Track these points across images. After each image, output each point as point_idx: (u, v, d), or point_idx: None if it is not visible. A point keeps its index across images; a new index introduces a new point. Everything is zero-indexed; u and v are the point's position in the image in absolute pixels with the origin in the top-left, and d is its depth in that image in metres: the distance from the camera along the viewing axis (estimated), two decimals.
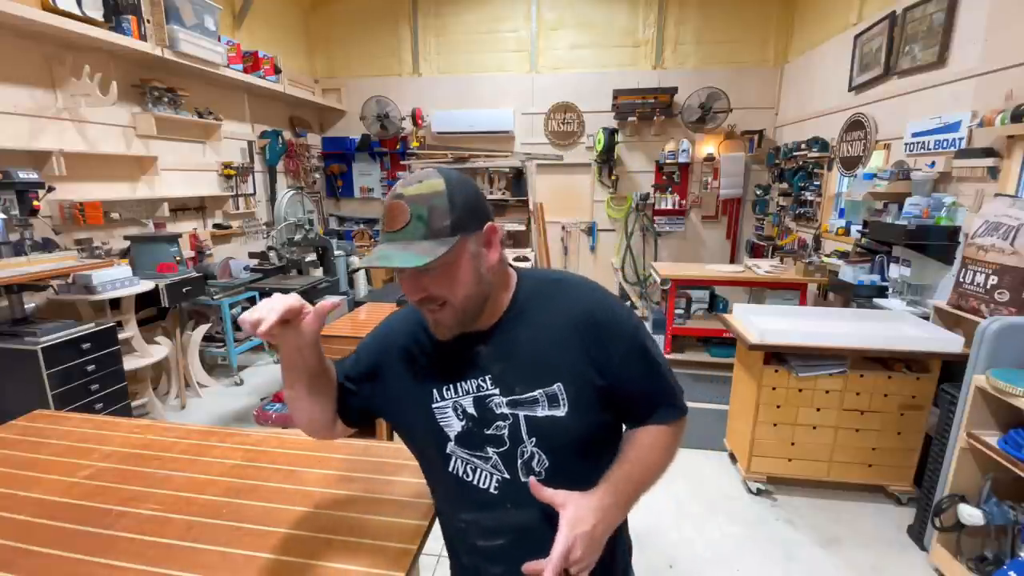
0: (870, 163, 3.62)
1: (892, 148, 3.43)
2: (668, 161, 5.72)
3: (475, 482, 0.84)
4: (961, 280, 2.36)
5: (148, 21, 3.51)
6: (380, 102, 6.00)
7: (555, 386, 0.81)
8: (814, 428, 2.52)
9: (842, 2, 4.21)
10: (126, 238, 3.58)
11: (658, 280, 4.49)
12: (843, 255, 3.69)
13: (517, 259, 5.27)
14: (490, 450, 0.83)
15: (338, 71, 6.22)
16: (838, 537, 2.31)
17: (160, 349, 3.40)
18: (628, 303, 5.96)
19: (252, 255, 4.51)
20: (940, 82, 3.01)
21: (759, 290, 4.62)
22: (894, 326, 2.60)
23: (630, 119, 5.56)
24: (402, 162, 6.21)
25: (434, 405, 0.86)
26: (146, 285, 3.16)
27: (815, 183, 4.53)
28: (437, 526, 1.02)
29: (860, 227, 3.53)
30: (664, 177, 5.87)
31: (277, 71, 4.97)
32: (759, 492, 2.62)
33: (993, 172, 2.56)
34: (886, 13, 3.48)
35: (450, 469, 0.86)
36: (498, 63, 5.92)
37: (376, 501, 1.08)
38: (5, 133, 2.90)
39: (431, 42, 5.97)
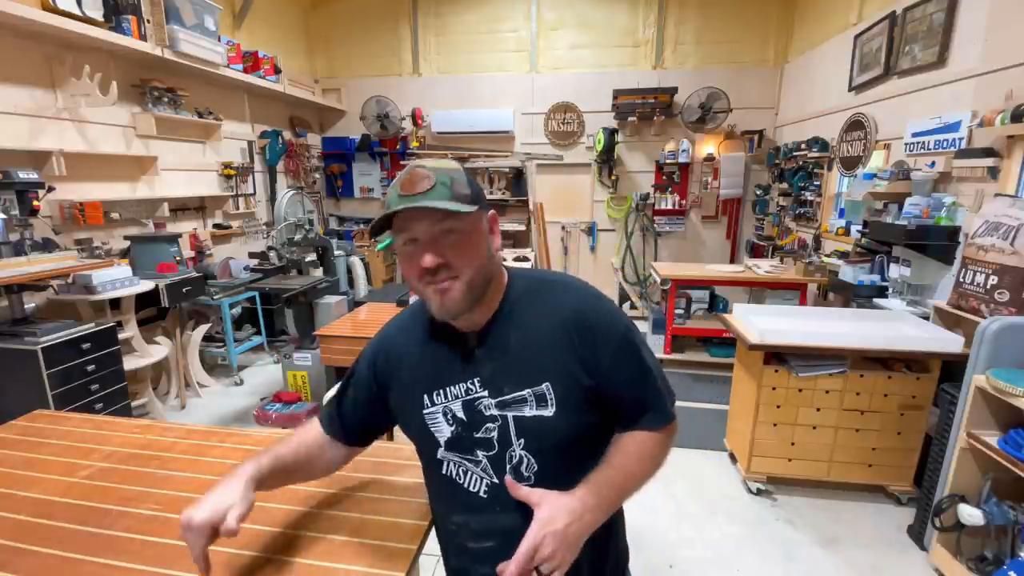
0: (870, 163, 3.62)
1: (892, 148, 3.43)
2: (668, 161, 5.72)
3: (466, 485, 0.85)
4: (961, 280, 2.36)
5: (148, 21, 3.51)
6: (380, 102, 6.00)
7: (543, 385, 0.81)
8: (814, 428, 2.52)
9: (842, 2, 4.21)
10: (126, 238, 3.58)
11: (658, 280, 4.49)
12: (843, 255, 3.69)
13: (517, 259, 5.27)
14: (480, 454, 0.84)
15: (338, 71, 6.22)
16: (838, 537, 2.31)
17: (160, 349, 3.40)
18: (628, 303, 5.96)
19: (252, 255, 4.50)
20: (940, 82, 3.01)
21: (759, 290, 4.62)
22: (894, 326, 2.60)
23: (630, 119, 5.56)
24: (402, 162, 6.20)
25: (425, 412, 0.87)
26: (146, 285, 3.16)
27: (815, 183, 4.53)
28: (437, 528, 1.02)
29: (860, 227, 3.53)
30: (664, 177, 5.87)
31: (277, 71, 4.97)
32: (759, 492, 2.62)
33: (993, 172, 2.56)
34: (886, 13, 3.48)
35: (443, 472, 0.87)
36: (498, 63, 5.92)
37: (376, 501, 1.08)
38: (5, 133, 2.90)
39: (431, 42, 5.97)
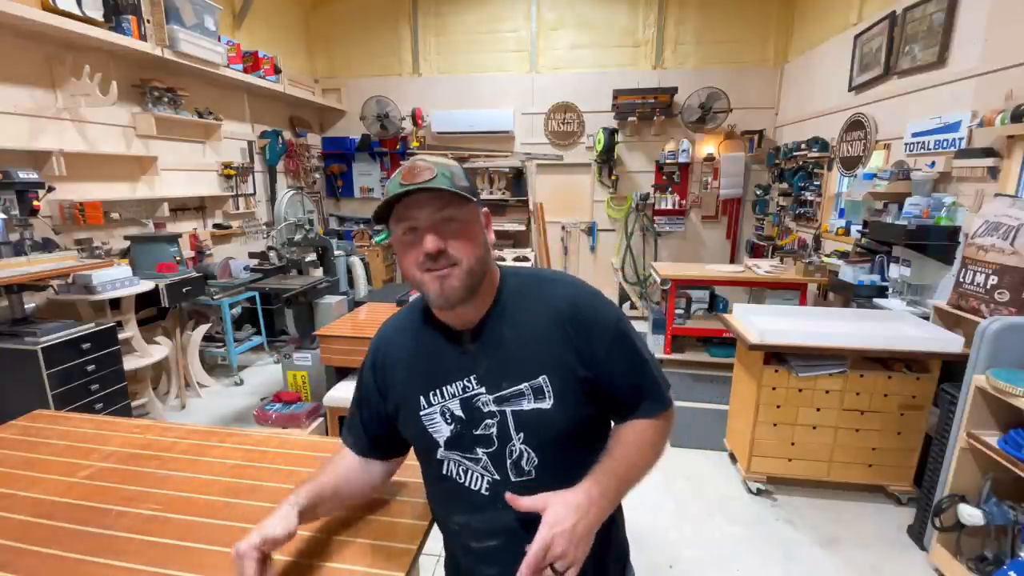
0: (870, 163, 3.62)
1: (892, 148, 3.43)
2: (668, 161, 5.72)
3: (467, 484, 0.85)
4: (961, 280, 2.36)
5: (148, 21, 3.51)
6: (380, 102, 6.00)
7: (540, 379, 0.81)
8: (814, 428, 2.52)
9: (842, 2, 4.21)
10: (126, 238, 3.58)
11: (658, 280, 4.49)
12: (843, 255, 3.69)
13: (517, 259, 5.27)
14: (480, 451, 0.84)
15: (338, 71, 6.22)
16: (838, 537, 2.31)
17: (160, 349, 3.40)
18: (628, 303, 5.96)
19: (252, 255, 4.50)
20: (940, 82, 3.01)
21: (759, 290, 4.62)
22: (894, 326, 2.60)
23: (630, 119, 5.56)
24: (402, 162, 6.18)
25: (422, 413, 0.87)
26: (146, 285, 3.16)
27: (815, 183, 4.53)
28: (437, 528, 1.02)
29: (860, 227, 3.53)
30: (664, 177, 5.87)
31: (277, 71, 4.97)
32: (759, 492, 2.62)
33: (993, 172, 2.56)
34: (886, 13, 3.48)
35: (443, 472, 0.87)
36: (498, 63, 5.92)
37: (376, 501, 1.07)
38: (5, 133, 2.90)
39: (431, 42, 5.97)
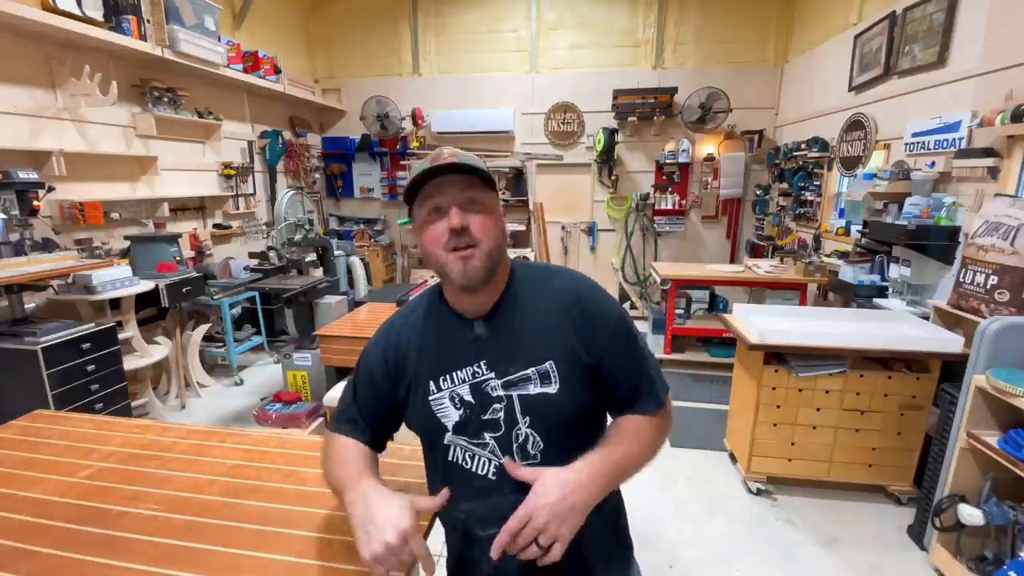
0: (870, 163, 3.62)
1: (892, 148, 3.43)
2: (668, 161, 5.72)
3: (473, 469, 0.87)
4: (961, 280, 2.36)
5: (148, 21, 3.51)
6: (380, 102, 6.00)
7: (546, 364, 0.84)
8: (814, 428, 2.52)
9: (842, 2, 4.21)
10: (126, 238, 3.58)
11: (658, 280, 4.49)
12: (843, 255, 3.69)
13: (516, 259, 5.27)
14: (487, 436, 0.85)
15: (338, 71, 6.22)
16: (838, 537, 2.31)
17: (160, 349, 3.40)
18: (628, 303, 5.96)
19: (252, 255, 4.50)
20: (940, 82, 3.01)
21: (759, 290, 4.62)
22: (894, 326, 2.60)
23: (630, 119, 5.56)
24: (402, 162, 6.21)
25: (431, 398, 0.88)
26: (146, 285, 3.16)
27: (815, 183, 4.53)
28: (438, 525, 1.02)
29: (860, 227, 3.53)
30: (664, 177, 5.87)
31: (277, 71, 4.97)
32: (759, 492, 2.62)
33: (993, 172, 2.56)
34: (886, 13, 3.48)
35: (449, 458, 0.88)
36: (498, 63, 5.92)
37: None
38: (5, 133, 2.90)
39: (431, 42, 5.98)
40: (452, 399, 0.87)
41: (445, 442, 0.88)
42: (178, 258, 3.68)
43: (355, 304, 4.20)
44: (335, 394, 2.78)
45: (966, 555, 1.99)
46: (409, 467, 1.20)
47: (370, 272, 5.54)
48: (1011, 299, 2.12)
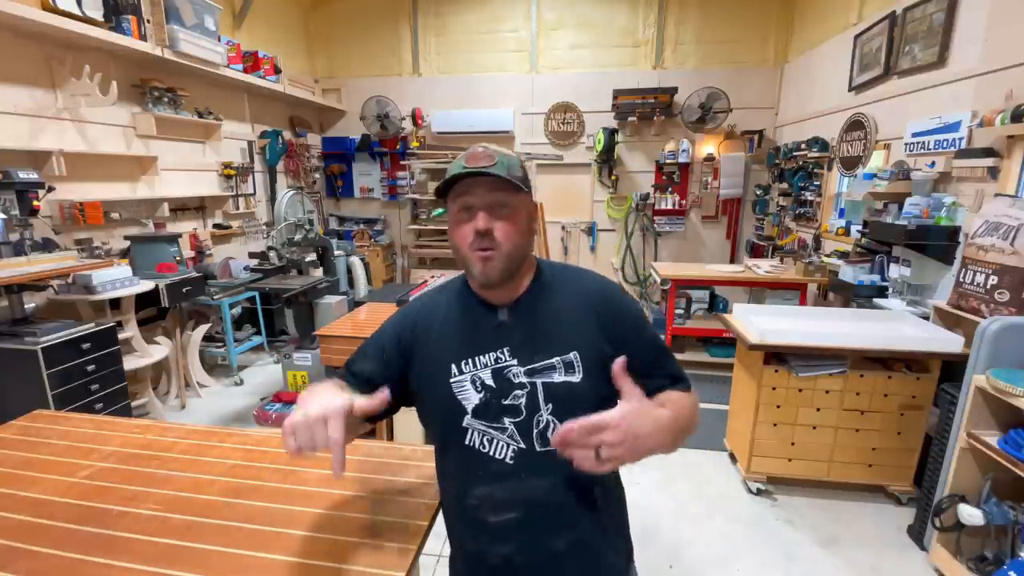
0: (870, 163, 3.62)
1: (892, 148, 3.43)
2: (668, 161, 5.72)
3: (491, 453, 0.88)
4: (961, 280, 2.36)
5: (148, 21, 3.51)
6: (380, 102, 6.00)
7: (571, 354, 0.87)
8: (814, 428, 2.52)
9: (842, 2, 4.21)
10: (126, 238, 3.58)
11: (658, 280, 4.49)
12: (843, 255, 3.69)
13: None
14: (507, 420, 0.87)
15: (338, 71, 6.22)
16: (838, 537, 2.31)
17: (160, 349, 3.40)
18: None
19: (252, 255, 4.50)
20: (940, 82, 3.00)
21: (759, 290, 4.62)
22: (894, 326, 2.60)
23: (630, 119, 5.56)
24: (402, 162, 6.21)
25: (452, 380, 0.90)
26: (146, 285, 3.16)
27: (815, 183, 4.53)
28: (438, 525, 1.02)
29: (860, 227, 3.53)
30: (664, 177, 5.87)
31: (277, 71, 4.97)
32: (759, 492, 2.62)
33: (993, 172, 2.56)
34: (886, 13, 3.48)
35: (466, 442, 0.89)
36: (498, 63, 5.92)
37: (376, 501, 1.08)
38: (5, 133, 2.90)
39: (431, 42, 5.97)
40: (473, 382, 0.89)
41: (463, 424, 0.89)
42: (178, 258, 3.68)
43: (355, 304, 4.21)
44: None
45: (966, 555, 1.99)
46: (409, 467, 1.20)
47: (370, 272, 5.54)
48: (1011, 299, 2.12)
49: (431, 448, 1.29)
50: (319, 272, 4.32)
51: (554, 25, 5.76)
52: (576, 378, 0.86)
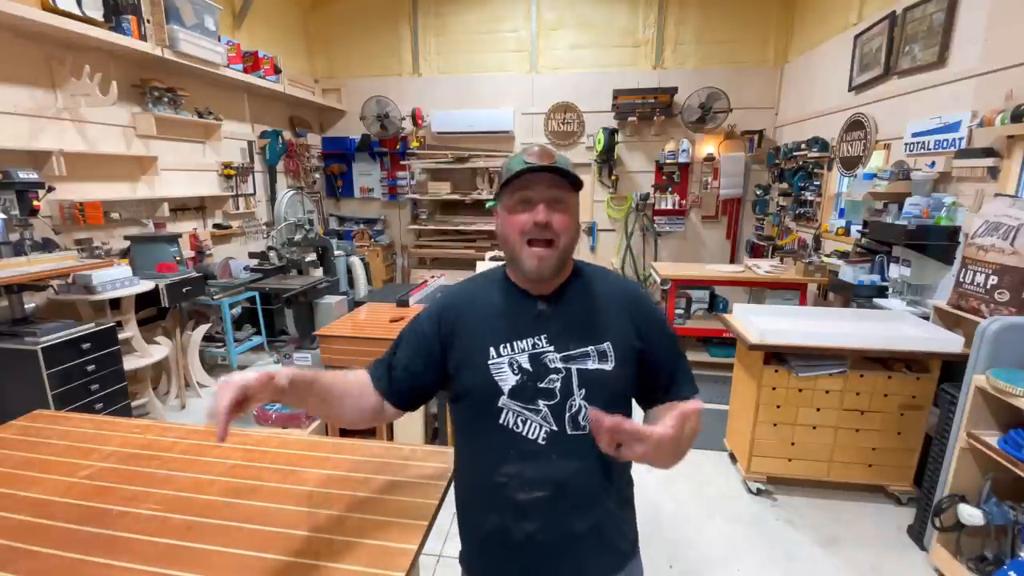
0: (870, 163, 3.62)
1: (892, 148, 3.43)
2: (668, 161, 5.72)
3: (524, 433, 0.92)
4: (961, 280, 2.36)
5: (148, 21, 3.51)
6: (380, 102, 6.00)
7: (605, 344, 0.94)
8: (814, 428, 2.52)
9: (842, 2, 4.21)
10: (126, 238, 3.58)
11: (658, 280, 4.49)
12: (843, 255, 3.69)
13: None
14: (541, 403, 0.92)
15: (338, 71, 6.22)
16: (838, 537, 2.31)
17: (160, 349, 3.40)
18: None
19: (252, 255, 4.51)
20: (940, 82, 3.00)
21: (759, 290, 4.62)
22: (894, 326, 2.60)
23: (630, 119, 5.56)
24: (402, 162, 6.21)
25: (490, 362, 0.94)
26: (146, 285, 3.16)
27: (815, 183, 4.53)
28: (438, 525, 1.02)
29: (860, 227, 3.53)
30: (664, 177, 5.87)
31: (277, 71, 4.97)
32: (759, 492, 2.62)
33: (993, 172, 2.56)
34: (886, 13, 3.48)
35: (500, 421, 0.93)
36: (498, 63, 5.92)
37: (376, 501, 1.08)
38: (5, 133, 2.90)
39: (431, 42, 5.98)
40: (511, 365, 0.93)
41: (499, 404, 0.93)
42: (178, 258, 3.68)
43: (355, 304, 4.21)
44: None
45: (966, 555, 1.99)
46: (409, 467, 1.20)
47: (370, 272, 5.54)
48: (1011, 299, 2.12)
49: (431, 448, 1.30)
50: (319, 272, 4.33)
51: (554, 25, 5.76)
52: (608, 366, 0.93)
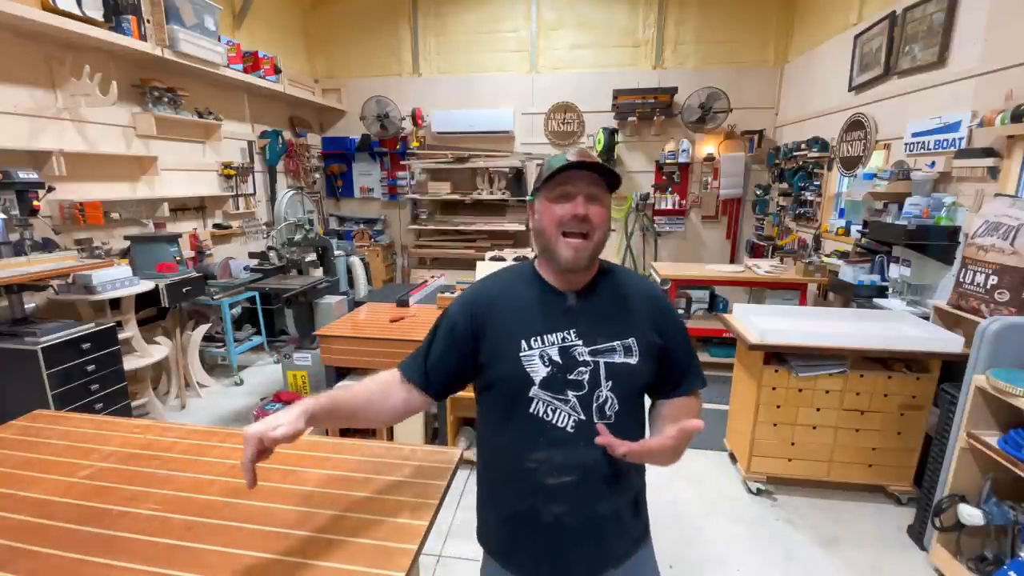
0: (870, 163, 3.62)
1: (892, 148, 3.43)
2: (668, 161, 5.72)
3: (554, 421, 0.97)
4: (961, 280, 2.36)
5: (148, 21, 3.51)
6: (380, 102, 6.00)
7: (630, 339, 1.00)
8: (814, 428, 2.52)
9: (842, 2, 4.21)
10: (126, 238, 3.58)
11: (658, 280, 4.49)
12: (843, 255, 3.69)
13: (517, 259, 5.26)
14: (570, 393, 0.97)
15: (338, 71, 6.22)
16: (838, 537, 2.31)
17: (160, 349, 3.40)
18: None
19: (252, 255, 4.50)
20: (940, 82, 3.01)
21: (759, 290, 4.62)
22: (894, 326, 2.60)
23: (630, 119, 5.56)
24: (402, 162, 6.21)
25: (521, 354, 0.98)
26: (146, 285, 3.16)
27: (815, 183, 4.53)
28: (439, 525, 1.02)
29: (860, 227, 3.53)
30: (664, 177, 5.87)
31: (277, 71, 4.97)
32: (759, 492, 2.62)
33: (993, 172, 2.56)
34: (886, 13, 3.48)
35: (531, 410, 0.98)
36: (498, 63, 5.92)
37: (376, 501, 1.08)
38: (5, 133, 2.90)
39: (431, 42, 5.98)
40: (541, 357, 0.97)
41: (530, 394, 0.97)
42: (178, 258, 3.68)
43: (355, 304, 4.20)
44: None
45: (966, 555, 1.99)
46: (409, 467, 1.20)
47: (370, 272, 5.54)
48: (1011, 299, 2.12)
49: (431, 448, 1.30)
50: (319, 272, 4.32)
51: (554, 25, 5.76)
52: (633, 360, 0.99)
